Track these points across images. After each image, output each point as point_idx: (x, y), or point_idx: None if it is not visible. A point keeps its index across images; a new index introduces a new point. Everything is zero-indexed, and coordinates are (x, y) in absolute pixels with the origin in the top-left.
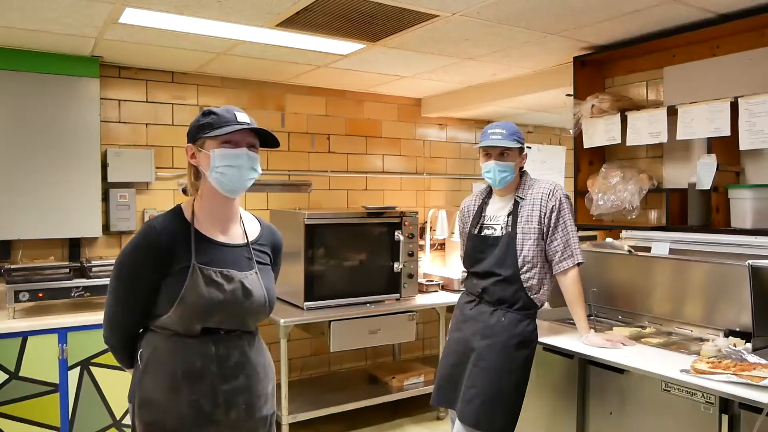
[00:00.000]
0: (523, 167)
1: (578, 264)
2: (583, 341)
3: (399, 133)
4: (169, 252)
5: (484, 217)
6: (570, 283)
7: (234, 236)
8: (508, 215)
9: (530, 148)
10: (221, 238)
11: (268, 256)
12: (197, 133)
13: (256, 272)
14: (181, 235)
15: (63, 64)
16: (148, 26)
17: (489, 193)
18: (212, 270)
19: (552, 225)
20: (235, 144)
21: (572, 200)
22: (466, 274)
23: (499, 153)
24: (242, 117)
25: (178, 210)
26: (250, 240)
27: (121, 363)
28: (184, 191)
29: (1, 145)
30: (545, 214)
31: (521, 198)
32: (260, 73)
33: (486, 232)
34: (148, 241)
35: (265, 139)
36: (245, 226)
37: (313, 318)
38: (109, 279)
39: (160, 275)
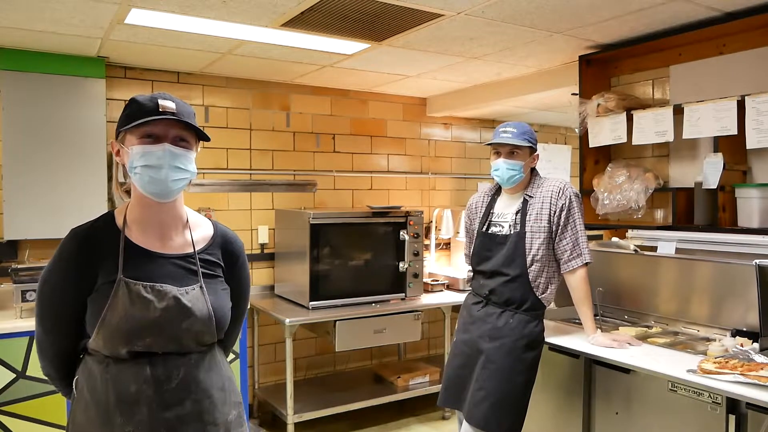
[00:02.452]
0: (534, 167)
1: (586, 264)
2: (589, 341)
3: (404, 132)
4: (93, 265)
5: (492, 214)
6: (578, 283)
7: (175, 245)
8: (517, 213)
9: None
10: (158, 248)
11: (219, 268)
12: (118, 127)
13: (201, 287)
14: (108, 245)
15: (69, 65)
16: (154, 27)
17: (497, 190)
18: (141, 285)
19: (561, 223)
20: (156, 138)
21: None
22: (471, 273)
23: (509, 151)
24: (166, 104)
25: (108, 216)
26: (197, 248)
27: (61, 393)
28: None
29: (8, 146)
30: (555, 212)
31: (530, 196)
32: (265, 73)
33: (493, 229)
34: (69, 253)
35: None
36: (192, 233)
37: (319, 317)
38: None
39: (85, 292)
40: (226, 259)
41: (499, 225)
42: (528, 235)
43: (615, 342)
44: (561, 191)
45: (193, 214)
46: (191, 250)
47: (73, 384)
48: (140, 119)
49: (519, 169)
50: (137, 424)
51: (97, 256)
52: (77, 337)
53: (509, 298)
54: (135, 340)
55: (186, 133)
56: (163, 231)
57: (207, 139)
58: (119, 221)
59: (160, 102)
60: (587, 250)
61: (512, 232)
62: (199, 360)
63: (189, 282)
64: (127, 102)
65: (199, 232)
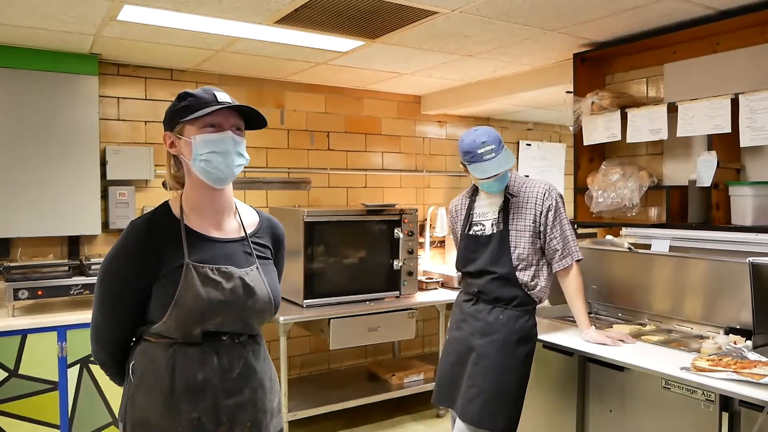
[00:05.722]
0: None
1: (578, 261)
2: (583, 337)
3: (398, 130)
4: (157, 253)
5: (473, 215)
6: (571, 280)
7: (229, 230)
8: (499, 212)
9: (530, 145)
10: (214, 234)
11: (269, 250)
12: (174, 119)
13: (257, 267)
14: (170, 233)
15: (61, 62)
16: (147, 23)
17: (475, 190)
18: (208, 268)
19: (549, 224)
20: (218, 127)
21: (572, 198)
22: (460, 275)
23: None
24: (223, 97)
25: (165, 206)
26: (248, 233)
27: (112, 379)
28: (165, 185)
29: (0, 143)
30: (541, 212)
31: (512, 195)
32: (259, 71)
33: (475, 229)
34: (133, 243)
35: (249, 120)
36: (241, 219)
37: (313, 315)
38: None
39: (150, 279)
40: (273, 243)
41: (481, 224)
42: (512, 233)
43: (609, 339)
44: (547, 192)
45: (238, 201)
46: (243, 234)
47: (129, 369)
48: (201, 110)
49: (507, 175)
50: (202, 411)
51: (158, 244)
52: (134, 324)
53: (498, 295)
54: (207, 319)
55: (240, 122)
56: (218, 217)
57: (263, 125)
58: (176, 210)
59: (217, 94)
60: (576, 248)
61: (495, 231)
62: (255, 350)
63: (247, 264)
64: (178, 96)
65: (247, 217)
